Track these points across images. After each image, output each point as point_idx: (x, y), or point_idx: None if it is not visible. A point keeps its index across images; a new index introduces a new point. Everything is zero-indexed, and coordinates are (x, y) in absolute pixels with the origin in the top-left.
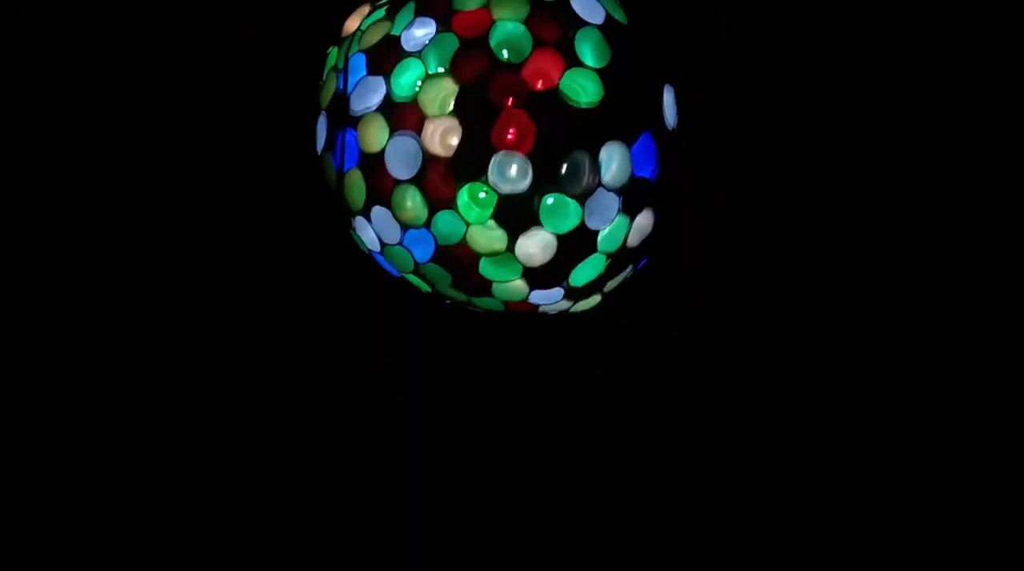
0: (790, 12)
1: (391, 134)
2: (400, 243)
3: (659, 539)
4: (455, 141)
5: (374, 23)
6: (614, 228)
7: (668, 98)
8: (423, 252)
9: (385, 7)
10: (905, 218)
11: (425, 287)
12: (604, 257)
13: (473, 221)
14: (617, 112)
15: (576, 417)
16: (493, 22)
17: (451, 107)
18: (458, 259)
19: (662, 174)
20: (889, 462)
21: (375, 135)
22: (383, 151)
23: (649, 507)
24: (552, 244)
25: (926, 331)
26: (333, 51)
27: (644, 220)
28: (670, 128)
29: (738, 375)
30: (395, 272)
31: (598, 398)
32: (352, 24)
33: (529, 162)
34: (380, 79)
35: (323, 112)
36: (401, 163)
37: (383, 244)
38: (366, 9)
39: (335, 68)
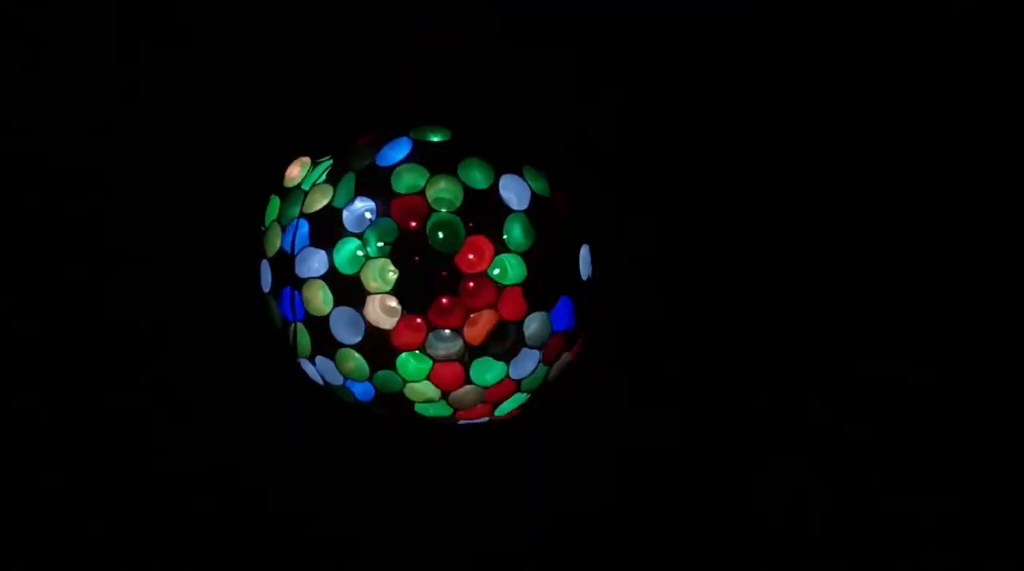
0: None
1: (335, 303)
2: (343, 385)
3: None
4: (394, 317)
5: (316, 186)
6: (535, 375)
7: (584, 254)
8: (364, 394)
9: (326, 167)
10: None
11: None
12: (526, 395)
13: (410, 379)
14: (538, 287)
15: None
16: (429, 210)
17: (391, 282)
18: (396, 403)
19: (578, 323)
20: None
21: (320, 300)
22: (328, 316)
23: None
24: (481, 393)
25: None
26: (275, 201)
27: (563, 360)
28: (585, 279)
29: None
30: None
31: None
32: (293, 172)
33: (459, 335)
34: (323, 252)
35: (266, 261)
36: (345, 330)
37: (326, 382)
38: (307, 160)
39: (278, 221)
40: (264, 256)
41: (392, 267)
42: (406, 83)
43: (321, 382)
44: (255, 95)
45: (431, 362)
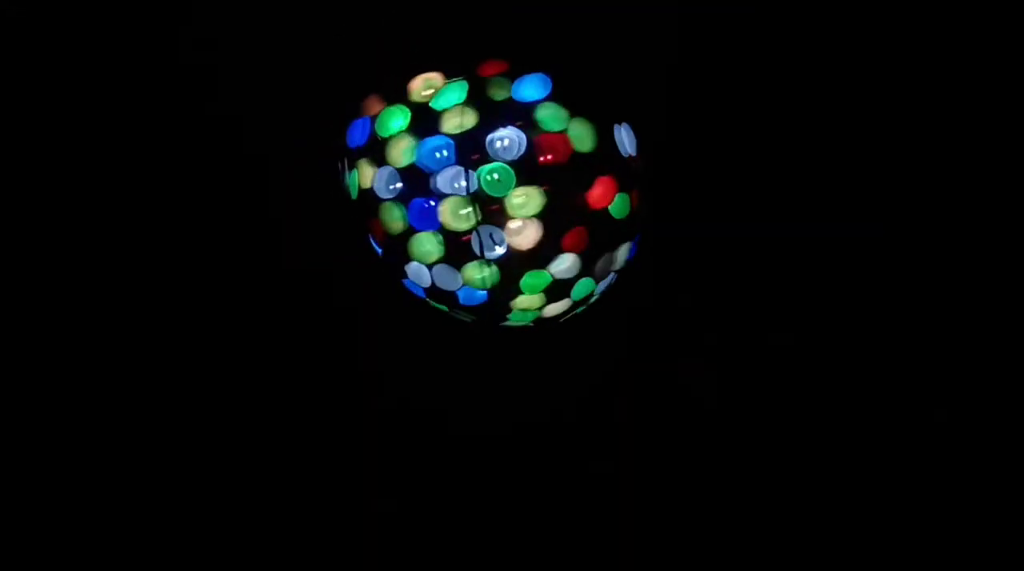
0: None
1: (480, 222)
2: (454, 291)
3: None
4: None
5: (457, 108)
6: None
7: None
8: (473, 300)
9: (459, 88)
10: None
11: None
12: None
13: (527, 292)
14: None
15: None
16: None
17: (534, 208)
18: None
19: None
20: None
21: (462, 217)
22: (471, 231)
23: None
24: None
25: None
26: (401, 112)
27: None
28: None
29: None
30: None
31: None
32: (419, 85)
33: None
34: (472, 172)
35: (392, 169)
36: (487, 245)
37: (434, 290)
38: (437, 77)
39: (410, 133)
40: (382, 163)
41: (535, 194)
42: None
43: (426, 290)
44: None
45: (549, 278)
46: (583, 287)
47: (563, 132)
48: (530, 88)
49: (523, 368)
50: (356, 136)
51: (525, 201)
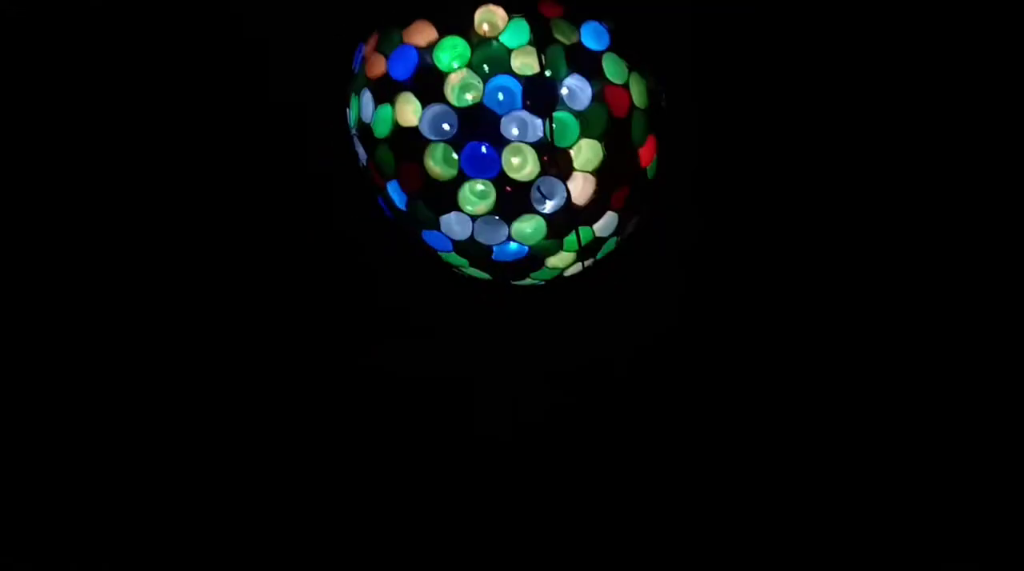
0: None
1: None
2: (490, 246)
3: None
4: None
5: (522, 48)
6: None
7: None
8: (508, 254)
9: (523, 28)
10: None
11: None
12: None
13: (567, 249)
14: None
15: None
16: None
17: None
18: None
19: None
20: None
21: (527, 166)
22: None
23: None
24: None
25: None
26: (459, 44)
27: None
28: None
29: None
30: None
31: None
32: (485, 20)
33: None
34: (537, 120)
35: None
36: (545, 197)
37: (470, 243)
38: (500, 11)
39: (471, 68)
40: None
41: (598, 148)
42: None
43: (456, 243)
44: None
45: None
46: (607, 246)
47: (625, 86)
48: (591, 37)
49: (538, 325)
50: (399, 67)
51: (588, 154)
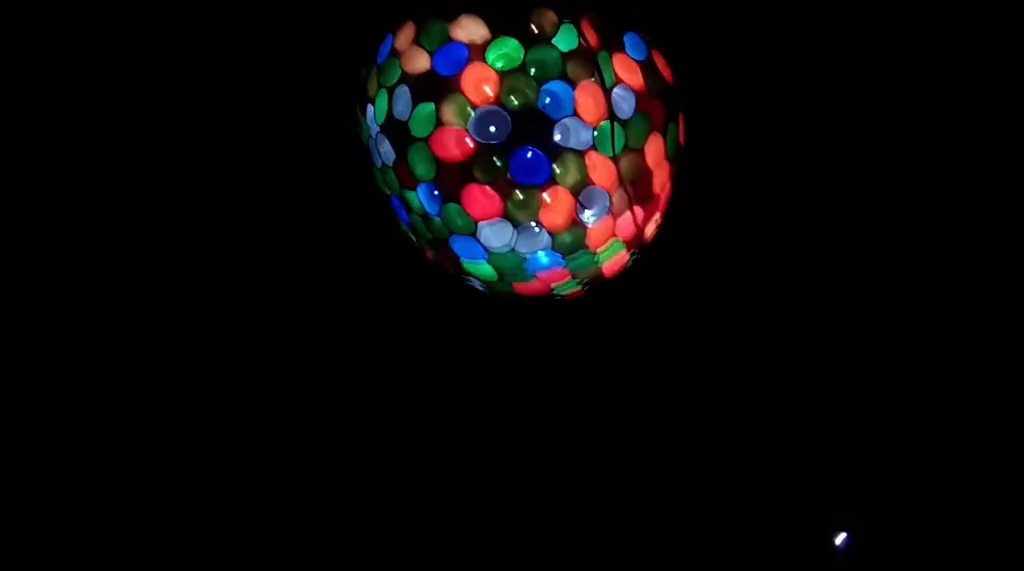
0: None
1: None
2: (524, 254)
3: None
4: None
5: (576, 51)
6: None
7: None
8: (540, 264)
9: (572, 33)
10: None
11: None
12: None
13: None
14: None
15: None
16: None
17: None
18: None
19: None
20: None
21: (575, 174)
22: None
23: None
24: None
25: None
26: (511, 43)
27: None
28: None
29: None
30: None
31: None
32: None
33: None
34: (589, 129)
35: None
36: (592, 208)
37: (509, 251)
38: (553, 15)
39: (524, 71)
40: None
41: (640, 159)
42: None
43: (499, 247)
44: None
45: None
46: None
47: (662, 98)
48: (633, 47)
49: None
50: (447, 63)
51: (630, 163)
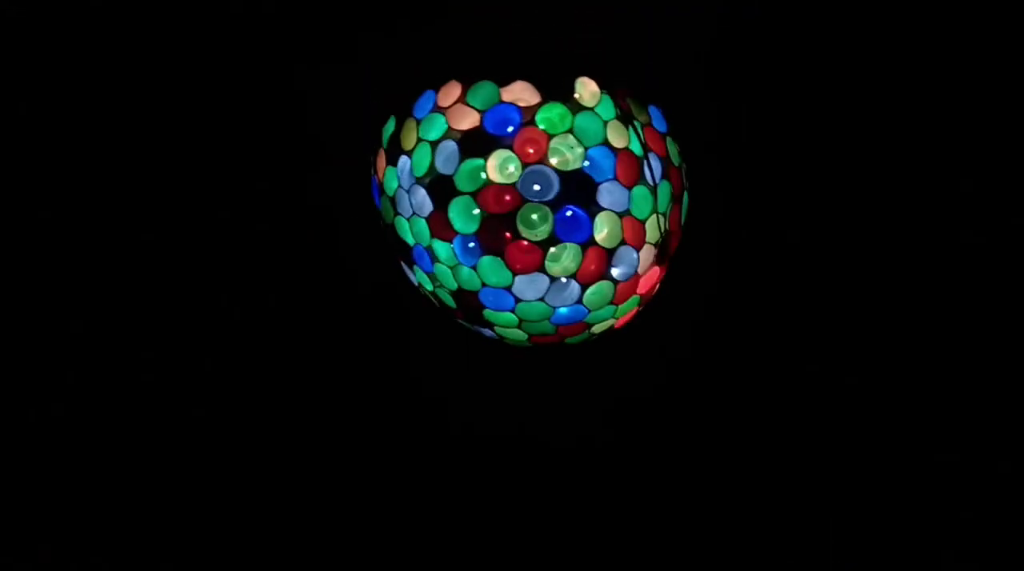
0: None
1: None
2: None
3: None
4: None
5: (612, 122)
6: None
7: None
8: (562, 317)
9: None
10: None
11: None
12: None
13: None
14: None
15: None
16: (684, 188)
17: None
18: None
19: None
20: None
21: (612, 234)
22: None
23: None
24: None
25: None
26: (563, 111)
27: None
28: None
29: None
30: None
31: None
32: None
33: None
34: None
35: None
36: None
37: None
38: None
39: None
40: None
41: (664, 222)
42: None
43: (530, 299)
44: None
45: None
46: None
47: (680, 167)
48: (657, 119)
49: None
50: (498, 123)
51: (653, 228)
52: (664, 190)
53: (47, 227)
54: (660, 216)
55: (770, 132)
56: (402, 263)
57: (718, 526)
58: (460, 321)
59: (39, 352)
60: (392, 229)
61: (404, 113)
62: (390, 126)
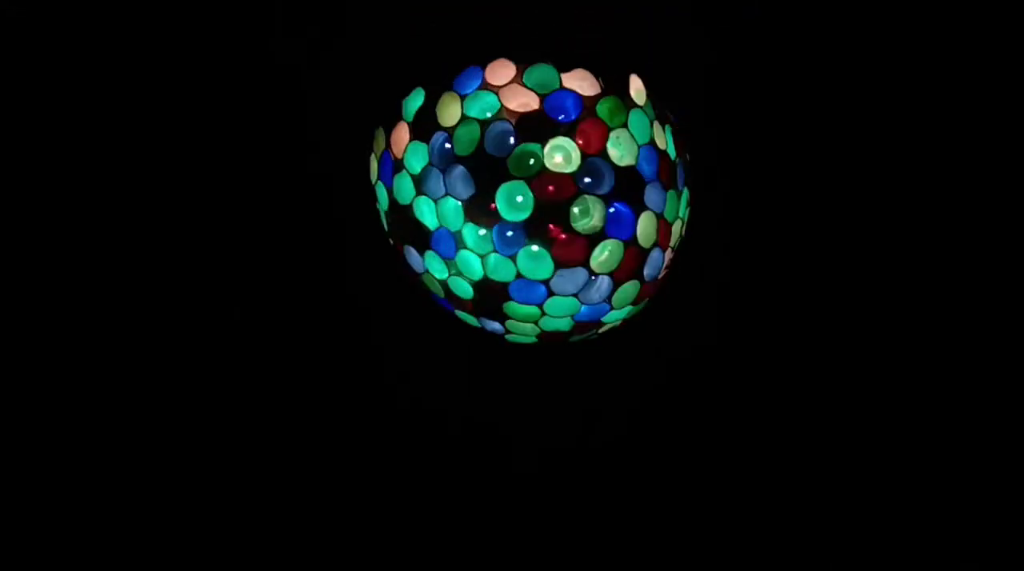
0: None
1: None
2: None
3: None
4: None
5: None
6: None
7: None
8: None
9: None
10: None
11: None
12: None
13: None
14: None
15: None
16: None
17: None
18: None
19: None
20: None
21: (651, 231)
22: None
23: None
24: None
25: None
26: (618, 104)
27: None
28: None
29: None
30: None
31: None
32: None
33: None
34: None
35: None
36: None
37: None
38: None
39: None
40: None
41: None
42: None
43: (565, 293)
44: None
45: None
46: None
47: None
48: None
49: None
50: (561, 109)
51: (677, 231)
52: (685, 196)
53: (47, 227)
54: (681, 221)
55: (770, 132)
56: (407, 247)
57: (718, 526)
58: (462, 313)
59: (39, 352)
60: (404, 210)
61: (436, 86)
62: (416, 98)
